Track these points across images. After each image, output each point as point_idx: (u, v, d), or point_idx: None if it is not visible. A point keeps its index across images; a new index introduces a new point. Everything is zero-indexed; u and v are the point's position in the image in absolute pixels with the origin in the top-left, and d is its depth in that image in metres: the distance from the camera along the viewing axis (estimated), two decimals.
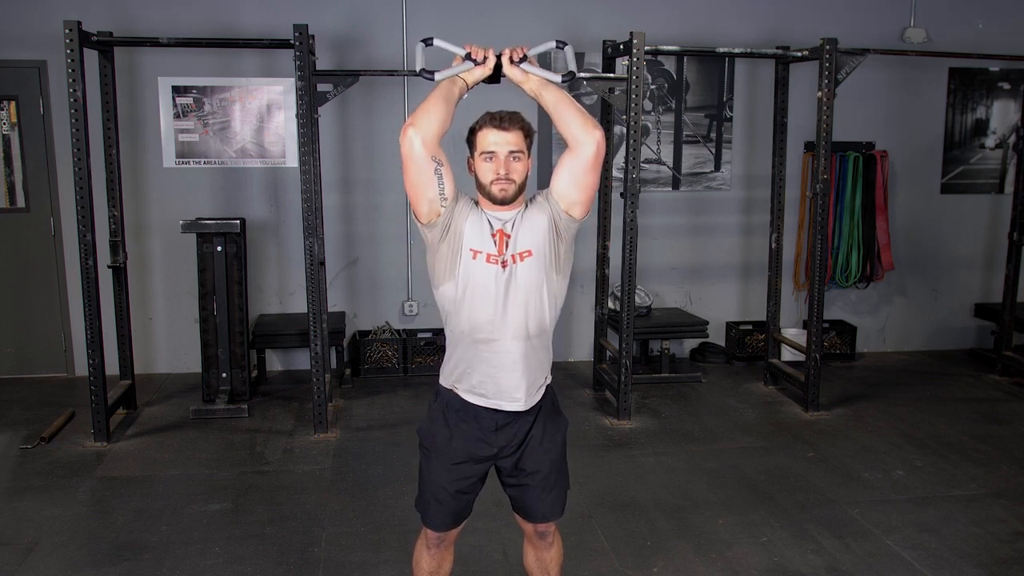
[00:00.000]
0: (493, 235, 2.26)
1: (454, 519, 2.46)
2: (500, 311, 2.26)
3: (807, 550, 3.38)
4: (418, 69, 2.28)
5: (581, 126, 2.20)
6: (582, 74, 5.34)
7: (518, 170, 2.24)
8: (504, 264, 2.25)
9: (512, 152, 2.23)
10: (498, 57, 2.26)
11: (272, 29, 5.17)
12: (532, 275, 2.27)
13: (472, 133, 2.28)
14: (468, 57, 2.25)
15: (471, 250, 2.24)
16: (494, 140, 2.22)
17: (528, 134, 2.27)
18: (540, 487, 2.44)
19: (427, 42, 2.31)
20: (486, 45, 2.29)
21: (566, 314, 5.94)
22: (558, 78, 2.26)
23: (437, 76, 2.24)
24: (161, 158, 5.51)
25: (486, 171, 2.24)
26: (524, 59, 2.26)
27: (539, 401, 2.40)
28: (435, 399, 2.45)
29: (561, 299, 2.37)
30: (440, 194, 2.21)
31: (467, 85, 2.29)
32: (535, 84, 2.26)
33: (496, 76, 2.30)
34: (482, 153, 2.24)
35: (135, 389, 5.04)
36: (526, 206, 2.30)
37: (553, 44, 2.36)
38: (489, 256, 2.24)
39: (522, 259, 2.26)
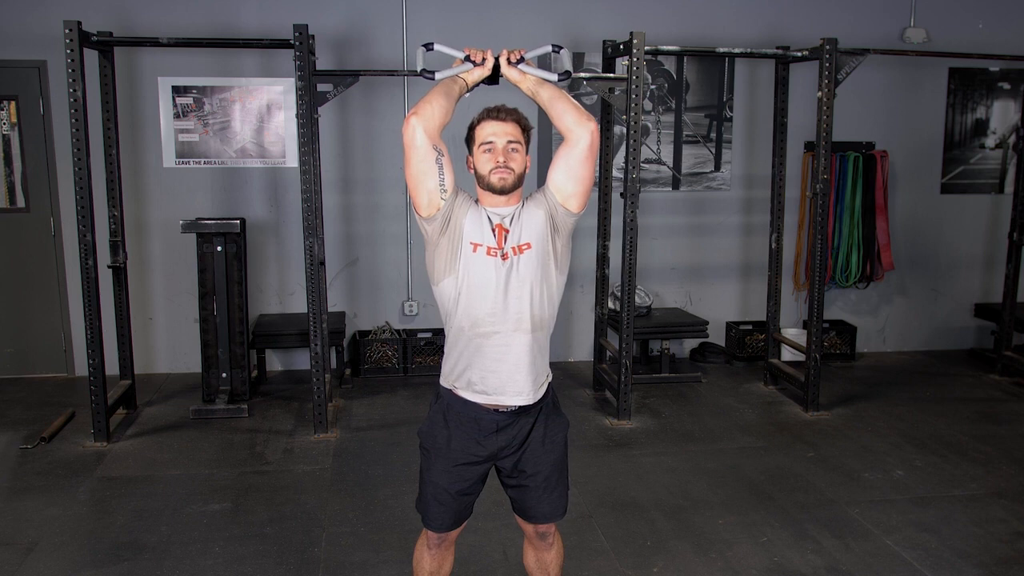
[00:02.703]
0: (493, 229, 2.28)
1: (454, 520, 2.46)
2: (501, 303, 2.27)
3: (807, 550, 3.38)
4: (419, 69, 2.35)
5: (575, 118, 2.25)
6: (582, 74, 5.35)
7: (517, 160, 2.28)
8: (504, 256, 2.27)
9: (510, 142, 2.27)
10: (496, 59, 2.33)
11: (272, 29, 5.17)
12: (531, 268, 2.29)
13: (471, 129, 2.33)
14: (467, 59, 2.32)
15: (471, 243, 2.26)
16: (492, 131, 2.27)
17: (525, 128, 2.32)
18: (541, 488, 2.44)
19: (428, 47, 2.38)
20: (484, 48, 2.35)
21: (566, 314, 5.94)
22: (554, 77, 2.33)
23: (437, 76, 2.31)
24: (161, 158, 5.51)
25: (485, 161, 2.28)
26: (521, 60, 2.33)
27: (541, 399, 2.40)
28: (435, 400, 2.45)
29: (559, 296, 2.39)
30: (440, 185, 2.23)
31: (467, 85, 2.35)
32: (532, 83, 2.33)
33: (495, 77, 2.37)
34: (481, 145, 2.29)
35: (135, 389, 5.04)
36: (523, 202, 2.33)
37: (549, 48, 2.48)
38: (489, 249, 2.27)
39: (521, 251, 2.28)
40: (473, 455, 2.38)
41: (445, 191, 2.24)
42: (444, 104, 2.24)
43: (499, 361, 2.30)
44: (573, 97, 2.30)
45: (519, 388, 2.33)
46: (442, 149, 2.24)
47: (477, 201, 2.34)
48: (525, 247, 2.28)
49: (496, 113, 2.29)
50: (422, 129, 2.18)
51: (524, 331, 2.30)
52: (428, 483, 2.44)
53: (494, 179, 2.26)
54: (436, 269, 2.31)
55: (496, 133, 2.27)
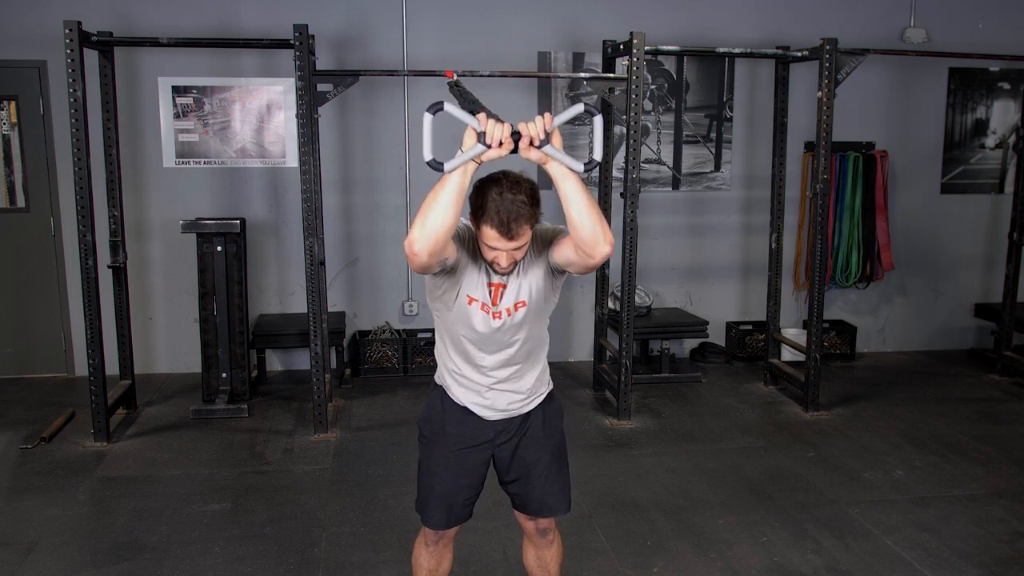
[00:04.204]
0: (489, 285, 2.25)
1: (453, 516, 2.46)
2: (489, 347, 2.31)
3: (807, 550, 3.38)
4: (425, 159, 1.98)
5: (591, 240, 2.02)
6: (582, 74, 5.36)
7: (520, 254, 2.18)
8: (497, 315, 2.26)
9: (516, 249, 2.15)
10: (515, 137, 1.96)
11: (272, 29, 5.17)
12: (524, 320, 2.29)
13: (475, 214, 2.13)
14: (481, 137, 1.96)
15: (467, 296, 2.25)
16: (499, 244, 2.11)
17: (535, 220, 2.14)
18: (543, 477, 2.44)
19: (435, 110, 1.97)
20: (502, 118, 1.98)
21: (566, 314, 5.94)
22: (580, 167, 2.00)
23: (446, 167, 1.98)
24: (161, 158, 5.51)
25: (488, 253, 2.18)
26: (546, 141, 1.97)
27: (538, 404, 2.43)
28: (433, 388, 2.48)
29: (551, 309, 2.38)
30: (445, 268, 2.18)
31: (478, 166, 2.03)
32: (554, 169, 1.99)
33: (514, 149, 2.01)
34: (485, 243, 2.15)
35: (135, 389, 5.04)
36: (526, 256, 2.24)
37: (581, 108, 2.01)
38: (484, 305, 2.25)
39: (516, 309, 2.27)
40: (470, 438, 2.40)
41: (448, 266, 2.18)
42: (450, 217, 1.98)
43: (484, 386, 2.36)
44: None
45: (503, 406, 2.38)
46: (447, 256, 2.10)
47: (476, 240, 2.21)
48: (520, 304, 2.26)
49: (506, 230, 2.07)
50: (426, 256, 2.00)
51: (511, 366, 2.34)
52: (427, 473, 2.44)
53: (495, 268, 2.21)
54: (432, 292, 2.31)
55: (503, 247, 2.11)
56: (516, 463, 2.43)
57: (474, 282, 2.23)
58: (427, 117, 1.97)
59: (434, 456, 2.43)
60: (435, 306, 2.33)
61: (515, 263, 2.20)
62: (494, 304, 2.24)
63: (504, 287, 2.24)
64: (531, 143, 1.96)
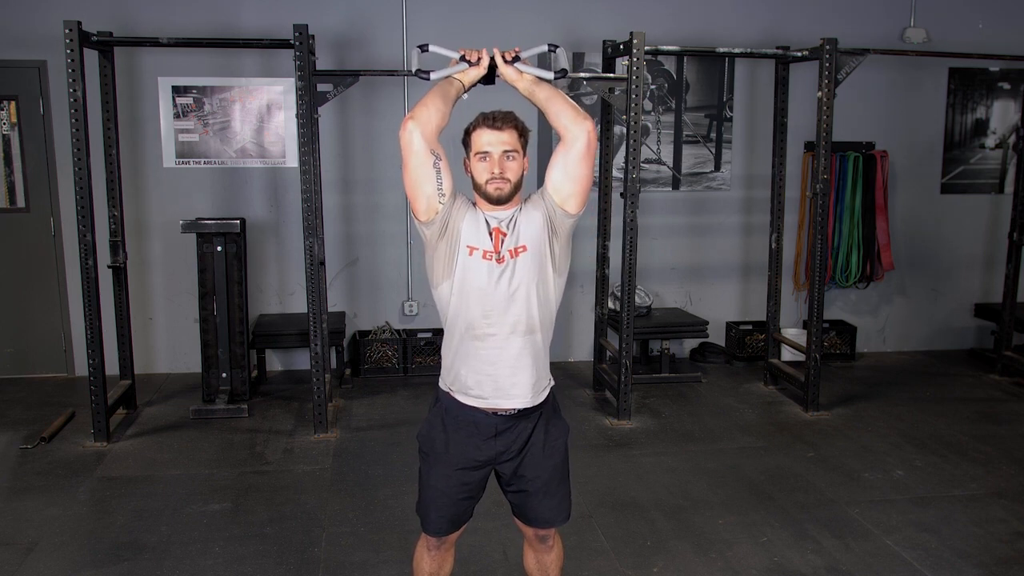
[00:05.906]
0: (490, 232, 2.27)
1: (453, 524, 2.45)
2: (496, 306, 2.27)
3: (807, 550, 3.38)
4: (413, 70, 2.35)
5: (571, 117, 2.23)
6: (582, 74, 5.35)
7: (513, 169, 2.26)
8: (500, 260, 2.26)
9: (506, 151, 2.24)
10: (492, 58, 2.31)
11: (272, 29, 5.17)
12: (527, 270, 2.27)
13: (467, 134, 2.30)
14: (463, 59, 2.31)
15: (468, 246, 2.25)
16: (488, 140, 2.24)
17: (522, 132, 2.28)
18: (541, 493, 2.42)
19: (422, 48, 2.39)
20: (480, 48, 2.34)
21: (566, 314, 5.94)
22: (551, 75, 2.32)
23: (432, 76, 2.30)
24: (161, 158, 5.51)
25: (481, 171, 2.25)
26: (517, 59, 2.32)
27: (541, 403, 2.39)
28: (434, 404, 2.44)
29: (557, 299, 2.37)
30: (438, 189, 2.22)
31: (464, 86, 2.33)
32: (528, 83, 2.31)
33: (491, 76, 2.35)
34: (477, 153, 2.26)
35: (135, 389, 5.04)
36: (522, 205, 2.32)
37: (545, 47, 2.45)
38: (486, 252, 2.26)
39: (517, 254, 2.27)
40: (472, 459, 2.37)
41: (443, 195, 2.23)
42: (441, 107, 2.22)
43: (493, 364, 2.30)
44: (572, 98, 2.30)
45: (515, 391, 2.31)
46: (440, 153, 2.21)
47: (475, 204, 2.32)
48: (521, 250, 2.27)
49: (492, 121, 2.25)
50: (419, 133, 2.16)
51: (519, 334, 2.29)
52: (427, 487, 2.43)
53: (490, 189, 2.25)
54: (435, 273, 2.31)
55: (492, 143, 2.24)
56: (516, 479, 2.42)
57: (474, 231, 2.26)
58: (415, 51, 2.41)
59: (434, 473, 2.41)
60: (440, 289, 2.31)
61: (510, 183, 2.25)
62: (496, 250, 2.26)
63: (504, 234, 2.27)
64: (504, 60, 2.31)
